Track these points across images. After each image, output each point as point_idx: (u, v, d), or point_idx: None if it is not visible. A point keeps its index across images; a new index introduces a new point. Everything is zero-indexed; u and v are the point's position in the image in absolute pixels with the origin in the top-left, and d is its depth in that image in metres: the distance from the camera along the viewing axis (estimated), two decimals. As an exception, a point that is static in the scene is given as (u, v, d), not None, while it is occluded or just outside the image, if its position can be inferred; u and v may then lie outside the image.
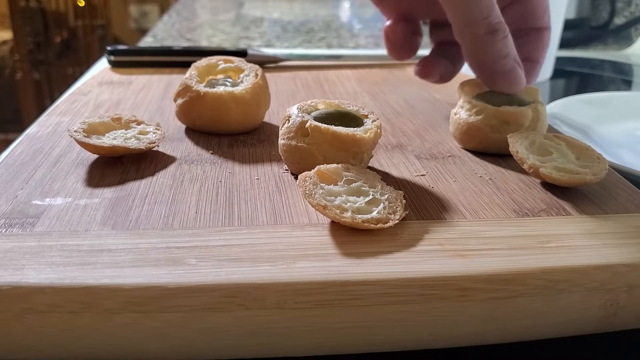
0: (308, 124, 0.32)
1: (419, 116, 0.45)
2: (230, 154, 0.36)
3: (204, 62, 0.42)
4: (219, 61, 0.43)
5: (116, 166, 0.33)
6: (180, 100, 0.40)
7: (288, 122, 0.33)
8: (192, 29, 1.11)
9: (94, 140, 0.33)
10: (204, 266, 0.23)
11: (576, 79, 0.79)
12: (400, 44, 0.44)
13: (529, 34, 0.40)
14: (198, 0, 1.53)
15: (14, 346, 0.22)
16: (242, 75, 0.41)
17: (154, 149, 0.36)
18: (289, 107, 0.34)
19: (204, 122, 0.39)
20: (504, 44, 0.35)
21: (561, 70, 0.78)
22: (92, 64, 0.83)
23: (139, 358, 0.23)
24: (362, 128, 0.32)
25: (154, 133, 0.36)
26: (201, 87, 0.39)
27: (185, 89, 0.39)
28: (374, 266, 0.24)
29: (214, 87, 0.39)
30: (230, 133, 0.40)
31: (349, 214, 0.26)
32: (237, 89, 0.39)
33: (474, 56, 0.36)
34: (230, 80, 0.41)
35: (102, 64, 0.71)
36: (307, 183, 0.28)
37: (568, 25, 0.87)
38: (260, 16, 1.27)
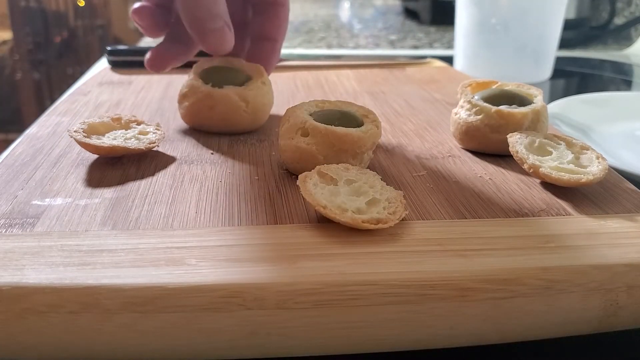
0: (308, 124, 0.32)
1: (419, 116, 0.45)
2: (230, 154, 0.36)
3: (205, 63, 0.42)
4: (220, 62, 0.42)
5: (116, 166, 0.33)
6: (187, 103, 0.40)
7: (288, 122, 0.33)
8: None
9: (94, 141, 0.33)
10: (204, 266, 0.23)
11: (576, 79, 0.79)
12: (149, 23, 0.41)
13: (267, 10, 0.41)
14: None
15: (14, 346, 0.22)
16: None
17: (154, 149, 0.36)
18: (289, 107, 0.34)
19: (213, 122, 0.39)
20: (215, 2, 0.36)
21: (561, 70, 0.78)
22: (92, 64, 0.83)
23: (139, 358, 0.23)
24: (362, 128, 0.32)
25: (154, 133, 0.36)
26: (210, 88, 0.39)
27: (192, 90, 0.39)
28: (374, 266, 0.24)
29: (222, 87, 0.39)
30: (238, 132, 0.40)
31: (349, 214, 0.26)
32: (246, 88, 0.39)
33: (187, 11, 0.36)
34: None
35: (102, 64, 0.71)
36: (307, 183, 0.28)
37: (568, 25, 0.87)
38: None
